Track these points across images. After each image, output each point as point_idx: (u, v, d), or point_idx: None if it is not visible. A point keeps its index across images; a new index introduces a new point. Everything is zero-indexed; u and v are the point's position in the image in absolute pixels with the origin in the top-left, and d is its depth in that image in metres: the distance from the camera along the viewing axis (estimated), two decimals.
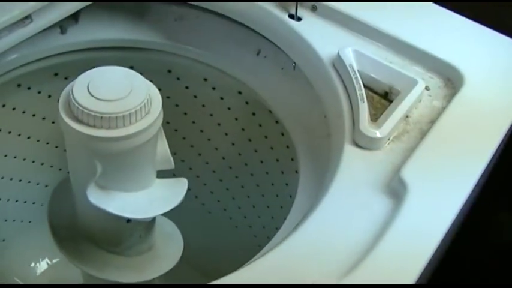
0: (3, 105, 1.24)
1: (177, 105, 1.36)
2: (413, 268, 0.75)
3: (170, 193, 0.98)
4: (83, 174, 0.93)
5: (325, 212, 0.82)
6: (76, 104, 0.83)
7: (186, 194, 0.99)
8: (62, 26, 1.18)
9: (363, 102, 0.92)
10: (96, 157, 0.88)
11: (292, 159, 1.19)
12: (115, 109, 0.82)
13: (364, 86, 0.95)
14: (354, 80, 0.95)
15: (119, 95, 0.84)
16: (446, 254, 1.15)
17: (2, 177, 1.35)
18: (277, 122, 1.21)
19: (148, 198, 0.97)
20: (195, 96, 1.35)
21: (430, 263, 0.77)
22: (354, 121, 0.92)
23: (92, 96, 0.83)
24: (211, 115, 1.37)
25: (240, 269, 0.77)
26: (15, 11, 1.01)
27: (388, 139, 0.91)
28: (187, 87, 1.33)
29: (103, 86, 0.85)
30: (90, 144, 0.85)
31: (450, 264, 1.25)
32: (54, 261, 1.55)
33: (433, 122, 0.94)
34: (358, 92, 0.93)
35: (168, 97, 1.31)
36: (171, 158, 0.98)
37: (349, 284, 0.72)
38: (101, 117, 0.82)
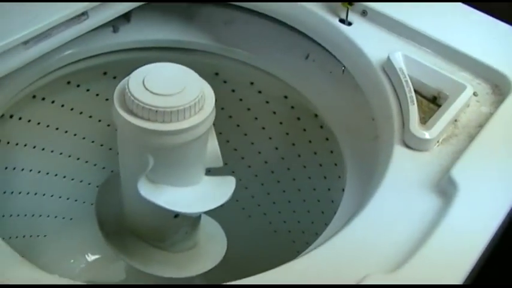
0: (53, 102, 1.26)
1: (222, 108, 1.38)
2: (461, 267, 0.76)
3: (218, 190, 1.00)
4: (134, 167, 0.95)
5: (375, 210, 0.83)
6: (132, 98, 0.84)
7: None
8: (114, 25, 1.21)
9: (413, 104, 0.93)
10: (149, 151, 0.89)
11: (335, 164, 1.20)
12: (170, 103, 0.84)
13: (413, 90, 0.96)
14: (404, 83, 0.96)
15: (174, 90, 0.86)
16: (493, 254, 1.15)
17: (47, 173, 1.37)
18: (321, 126, 1.23)
19: (196, 194, 0.99)
20: (241, 100, 1.36)
21: (477, 262, 0.78)
22: (404, 123, 0.93)
23: (148, 90, 0.85)
24: (256, 119, 1.38)
25: (287, 264, 0.78)
26: (73, 7, 1.03)
27: (437, 141, 0.92)
28: (233, 91, 1.35)
29: (158, 81, 0.87)
30: (143, 137, 0.87)
31: (497, 265, 1.25)
32: (94, 258, 1.57)
33: (481, 126, 0.95)
34: (408, 95, 0.94)
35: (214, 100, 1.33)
36: (220, 156, 0.99)
37: (396, 283, 0.73)
38: (156, 111, 0.84)
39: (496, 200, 0.84)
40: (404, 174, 0.87)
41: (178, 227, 1.07)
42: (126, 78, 0.88)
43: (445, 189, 0.84)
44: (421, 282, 0.73)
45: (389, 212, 0.82)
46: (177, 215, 1.02)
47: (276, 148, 1.40)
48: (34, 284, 0.75)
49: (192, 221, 1.09)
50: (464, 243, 0.78)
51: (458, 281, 0.74)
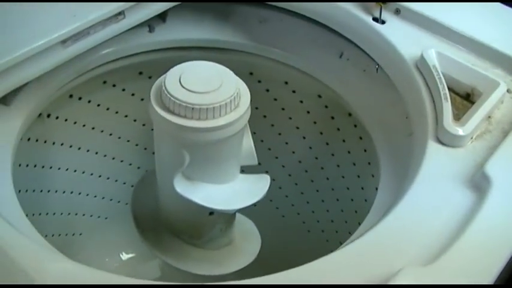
0: (89, 101, 1.28)
1: (256, 108, 1.38)
2: (496, 261, 0.76)
3: (253, 187, 1.01)
4: (170, 164, 0.96)
5: (409, 204, 0.83)
6: (168, 95, 0.86)
7: (262, 197, 1.02)
8: (150, 24, 1.22)
9: (447, 101, 0.94)
10: (185, 148, 0.91)
11: (369, 163, 1.21)
12: (206, 101, 0.85)
13: (447, 87, 0.96)
14: (438, 80, 0.96)
15: (210, 87, 0.87)
16: None
17: (83, 172, 1.39)
18: (355, 125, 1.23)
19: (232, 191, 1.00)
20: (275, 99, 1.37)
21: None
22: (437, 119, 0.93)
23: (184, 87, 0.86)
24: (290, 118, 1.39)
25: (321, 258, 0.79)
26: (110, 6, 1.05)
27: (471, 137, 0.92)
28: (267, 90, 1.36)
29: (194, 79, 0.88)
30: (180, 134, 0.88)
31: None
32: (128, 256, 1.59)
33: None
34: (441, 92, 0.95)
35: None
36: (255, 154, 1.00)
37: (431, 276, 0.73)
38: (192, 108, 0.85)
39: None
40: (439, 170, 0.87)
41: (213, 224, 1.08)
42: (163, 76, 0.90)
43: (479, 184, 0.84)
44: (456, 275, 0.73)
45: (423, 207, 0.83)
46: (212, 212, 1.04)
47: (310, 147, 1.40)
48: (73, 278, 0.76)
49: (227, 219, 1.10)
50: (498, 237, 0.78)
51: (493, 274, 0.74)
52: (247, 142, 0.99)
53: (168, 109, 0.87)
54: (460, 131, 0.90)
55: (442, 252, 0.75)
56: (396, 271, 0.72)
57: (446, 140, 0.91)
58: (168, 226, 1.10)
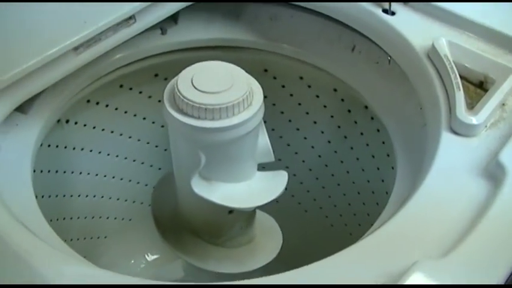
0: (107, 105, 1.29)
1: (274, 104, 1.39)
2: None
3: (271, 184, 1.01)
4: (187, 165, 0.97)
5: (424, 196, 0.83)
6: (181, 97, 0.87)
7: (283, 193, 1.02)
8: (162, 27, 1.23)
9: (459, 90, 0.93)
10: (201, 148, 0.91)
11: (388, 155, 1.21)
12: (218, 101, 0.86)
13: (459, 76, 0.96)
14: (450, 70, 0.96)
15: (222, 87, 0.88)
16: None
17: (105, 176, 1.40)
18: (372, 118, 1.23)
19: (249, 189, 1.00)
20: (291, 95, 1.38)
21: None
22: (451, 109, 0.93)
23: (196, 89, 0.87)
24: (307, 113, 1.39)
25: (341, 252, 0.79)
26: (120, 11, 1.06)
27: (485, 126, 0.92)
28: (283, 86, 1.36)
29: (206, 80, 0.89)
30: (194, 135, 0.89)
31: None
32: (153, 257, 1.60)
33: None
34: (454, 81, 0.94)
35: (265, 96, 1.33)
36: (272, 151, 1.01)
37: (446, 268, 0.73)
38: (205, 109, 0.86)
39: None
40: (453, 160, 0.87)
41: (233, 223, 1.08)
42: (175, 78, 0.90)
43: (493, 173, 0.84)
44: (471, 267, 0.73)
45: (438, 198, 0.83)
46: (231, 210, 1.04)
47: (329, 141, 1.41)
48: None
49: (247, 217, 1.10)
50: None
51: (509, 265, 0.74)
52: (263, 139, 1.00)
53: (181, 111, 0.88)
54: (474, 120, 0.90)
55: (457, 244, 0.75)
56: (410, 264, 0.72)
57: (459, 129, 0.91)
58: (188, 226, 1.11)
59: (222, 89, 0.88)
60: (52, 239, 0.88)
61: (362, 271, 0.76)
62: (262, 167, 1.04)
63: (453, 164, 0.87)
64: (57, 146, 1.21)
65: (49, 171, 1.20)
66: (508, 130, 0.91)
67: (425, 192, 0.84)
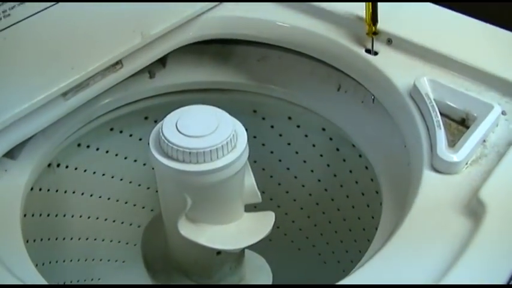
0: (97, 149, 1.30)
1: (263, 144, 1.40)
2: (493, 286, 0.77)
3: (258, 225, 1.02)
4: (173, 208, 0.98)
5: (406, 233, 0.84)
6: (166, 141, 0.88)
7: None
8: (150, 70, 1.24)
9: (440, 128, 0.94)
10: (186, 191, 0.92)
11: (376, 192, 1.21)
12: (202, 144, 0.87)
13: (441, 114, 0.97)
14: (431, 108, 0.97)
15: (206, 131, 0.89)
16: None
17: (97, 218, 1.41)
18: (360, 156, 1.24)
19: (237, 230, 1.01)
20: (280, 135, 1.39)
21: (508, 282, 0.78)
22: (432, 147, 0.94)
23: (181, 133, 0.89)
24: (296, 153, 1.40)
25: None
26: (107, 57, 1.07)
27: (466, 163, 0.92)
28: (272, 127, 1.38)
29: (191, 123, 0.90)
30: (180, 178, 0.90)
31: None
32: None
33: (510, 144, 0.95)
34: (434, 119, 0.95)
35: (254, 137, 1.35)
36: (258, 192, 1.02)
37: None
38: (190, 153, 0.87)
39: None
40: (434, 198, 0.88)
41: (222, 263, 1.09)
42: (160, 122, 0.91)
43: (475, 210, 0.85)
44: None
45: (418, 236, 0.83)
46: (219, 252, 1.05)
47: (319, 180, 1.41)
48: None
49: (236, 257, 1.11)
50: (494, 263, 0.78)
51: None
52: (249, 180, 1.01)
53: (166, 154, 0.89)
54: (454, 158, 0.90)
55: (438, 281, 0.76)
56: None
57: (441, 167, 0.91)
58: (178, 267, 1.12)
59: (206, 133, 0.89)
60: (37, 282, 0.89)
61: None
62: (253, 207, 1.04)
63: (434, 202, 0.87)
64: (48, 190, 1.22)
65: (40, 214, 1.20)
66: (490, 166, 0.92)
67: (405, 231, 0.84)
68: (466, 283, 0.76)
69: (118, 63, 1.10)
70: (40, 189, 1.19)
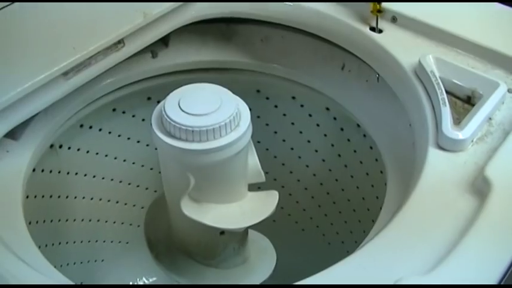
0: (100, 129, 1.30)
1: (267, 125, 1.39)
2: (497, 266, 0.75)
3: (262, 204, 1.01)
4: (177, 187, 0.97)
5: (411, 212, 0.83)
6: (168, 120, 0.87)
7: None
8: (153, 50, 1.23)
9: (445, 106, 0.93)
10: (189, 170, 0.91)
11: (381, 172, 1.20)
12: (205, 123, 0.86)
13: (447, 92, 0.96)
14: (436, 86, 0.96)
15: (209, 109, 0.88)
16: None
17: (100, 199, 1.40)
18: (365, 135, 1.23)
19: (240, 209, 1.00)
20: (284, 115, 1.38)
21: None
22: (438, 125, 0.93)
23: (183, 111, 0.88)
24: (300, 133, 1.40)
25: (327, 269, 0.80)
26: (109, 36, 1.06)
27: (472, 140, 0.91)
28: (276, 106, 1.37)
29: (193, 102, 0.89)
30: (183, 157, 0.89)
31: None
32: (151, 280, 1.59)
33: None
34: (440, 97, 0.94)
35: (258, 117, 1.35)
36: (262, 172, 1.01)
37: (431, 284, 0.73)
38: (192, 131, 0.86)
39: None
40: (440, 176, 0.87)
41: (226, 244, 1.08)
42: (163, 101, 0.91)
43: (480, 188, 0.84)
44: (456, 282, 0.73)
45: (424, 214, 0.82)
46: (223, 232, 1.04)
47: (323, 160, 1.41)
48: None
49: (240, 237, 1.10)
50: (500, 242, 0.78)
51: (494, 280, 0.74)
52: (253, 160, 1.00)
53: (169, 133, 0.88)
54: (460, 135, 0.90)
55: (442, 260, 0.75)
56: (395, 281, 0.72)
57: (446, 145, 0.91)
58: (181, 248, 1.11)
59: (209, 111, 0.88)
60: (40, 264, 0.88)
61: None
62: (257, 187, 1.03)
63: (440, 180, 0.86)
64: (50, 171, 1.21)
65: (43, 196, 1.20)
66: (495, 144, 0.91)
67: (411, 208, 0.83)
68: (470, 262, 0.75)
69: (120, 42, 1.09)
70: (42, 171, 1.18)
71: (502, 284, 0.74)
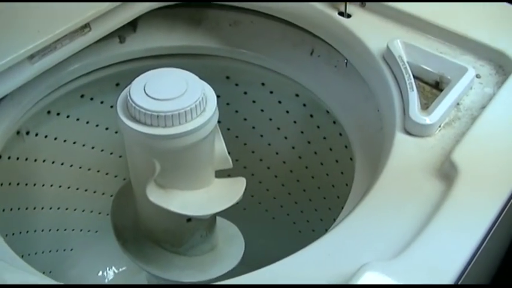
0: (68, 116, 1.28)
1: (236, 111, 1.38)
2: (463, 251, 0.76)
3: (229, 191, 1.00)
4: (142, 174, 0.96)
5: (377, 197, 0.83)
6: (133, 105, 0.86)
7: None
8: (120, 35, 1.22)
9: (413, 90, 0.93)
10: (155, 156, 0.90)
11: (351, 159, 1.20)
12: (171, 108, 0.85)
13: (415, 77, 0.96)
14: (403, 70, 0.96)
15: (175, 94, 0.87)
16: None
17: (68, 187, 1.39)
18: (334, 122, 1.23)
19: (207, 196, 0.99)
20: (254, 102, 1.37)
21: (479, 247, 0.77)
22: (405, 110, 0.93)
23: (149, 96, 0.87)
24: (270, 119, 1.39)
25: (291, 256, 0.80)
26: (75, 20, 1.05)
27: (439, 126, 0.91)
28: (245, 93, 1.36)
29: (159, 87, 0.88)
30: (148, 142, 0.88)
31: None
32: (121, 269, 1.58)
33: (484, 107, 0.94)
34: (407, 82, 0.94)
35: (227, 103, 1.34)
36: (229, 157, 1.00)
37: (395, 270, 0.73)
38: (157, 116, 0.85)
39: (498, 182, 0.83)
40: (407, 161, 0.87)
41: (193, 231, 1.07)
42: (128, 86, 0.89)
43: (447, 173, 0.84)
44: (421, 268, 0.73)
45: (391, 199, 0.82)
46: (189, 218, 1.03)
47: (293, 147, 1.40)
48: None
49: (207, 224, 1.09)
50: (465, 226, 0.78)
51: (460, 265, 0.74)
52: (219, 145, 0.99)
53: (134, 118, 0.87)
54: (427, 120, 0.90)
55: (408, 246, 0.75)
56: (359, 267, 0.71)
57: (413, 130, 0.91)
58: (148, 235, 1.10)
59: (174, 96, 0.87)
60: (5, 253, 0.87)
61: (315, 272, 0.76)
62: (227, 175, 1.02)
63: (407, 165, 0.86)
64: (17, 158, 1.20)
65: (10, 183, 1.19)
66: (463, 129, 0.91)
67: (377, 194, 0.83)
68: (437, 246, 0.75)
69: (86, 26, 1.08)
70: (9, 158, 1.17)
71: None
